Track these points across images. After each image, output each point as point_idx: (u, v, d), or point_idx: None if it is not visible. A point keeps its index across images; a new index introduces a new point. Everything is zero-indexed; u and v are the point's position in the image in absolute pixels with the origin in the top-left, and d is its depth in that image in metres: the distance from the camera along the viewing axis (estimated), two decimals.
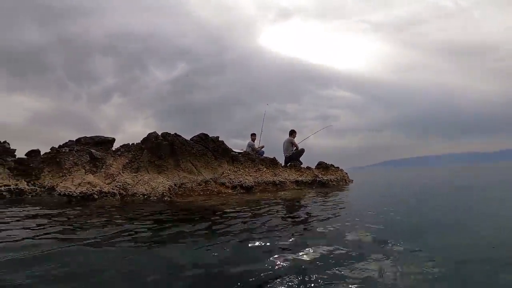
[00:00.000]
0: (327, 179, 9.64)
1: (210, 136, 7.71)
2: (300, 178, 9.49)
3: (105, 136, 7.81)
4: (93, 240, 2.62)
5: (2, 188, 5.97)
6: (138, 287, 1.81)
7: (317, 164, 10.38)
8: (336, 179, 9.89)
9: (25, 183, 6.25)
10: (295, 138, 10.79)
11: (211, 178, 7.79)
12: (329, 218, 3.79)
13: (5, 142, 12.89)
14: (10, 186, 6.04)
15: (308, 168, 10.27)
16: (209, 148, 7.57)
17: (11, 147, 12.81)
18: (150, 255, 2.34)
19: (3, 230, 2.92)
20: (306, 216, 4.13)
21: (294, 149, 10.63)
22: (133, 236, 2.81)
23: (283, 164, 10.23)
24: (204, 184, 7.59)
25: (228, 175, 8.22)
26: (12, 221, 3.39)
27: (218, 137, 7.96)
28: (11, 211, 4.09)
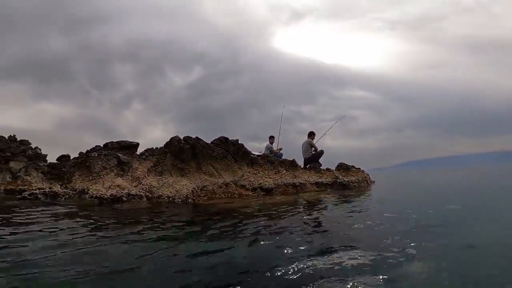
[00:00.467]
0: (348, 180, 9.48)
1: (230, 139, 7.82)
2: (320, 180, 9.40)
3: (130, 141, 8.12)
4: (129, 238, 2.75)
5: (38, 192, 6.34)
6: (172, 284, 1.90)
7: (338, 166, 10.25)
8: (357, 181, 9.71)
9: (59, 186, 6.61)
10: (314, 140, 10.72)
11: (231, 181, 7.90)
12: (353, 222, 3.76)
13: (36, 147, 13.67)
14: (45, 189, 6.40)
15: (328, 169, 10.16)
16: (229, 151, 7.68)
17: (42, 153, 13.57)
18: (183, 253, 2.43)
19: (47, 228, 3.13)
20: (329, 218, 4.11)
21: (313, 151, 10.56)
22: (168, 236, 2.93)
23: (302, 166, 10.19)
24: (224, 186, 7.71)
25: (248, 178, 8.30)
26: (52, 221, 3.62)
27: (238, 140, 8.07)
28: (50, 211, 4.35)
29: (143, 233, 3.01)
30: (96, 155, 7.00)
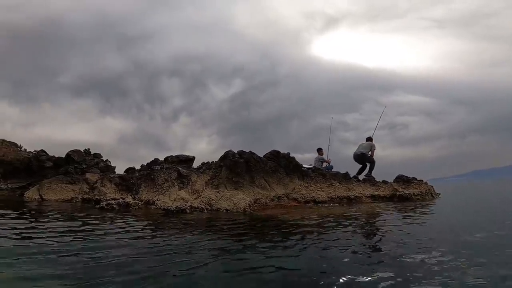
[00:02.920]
0: (409, 193, 8.78)
1: (281, 152, 7.88)
2: (376, 193, 8.88)
3: (187, 154, 8.69)
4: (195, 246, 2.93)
5: (113, 202, 7.11)
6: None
7: (396, 178, 9.57)
8: (420, 193, 8.95)
9: (130, 197, 7.32)
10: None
11: (283, 194, 7.90)
12: (419, 240, 3.44)
13: (107, 160, 15.36)
14: (119, 200, 7.15)
15: (384, 182, 9.54)
16: (281, 164, 7.72)
17: (112, 165, 15.15)
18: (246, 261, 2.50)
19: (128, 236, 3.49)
20: (391, 234, 3.82)
21: (369, 153, 10.19)
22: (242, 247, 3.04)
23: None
24: (277, 199, 7.74)
25: (300, 191, 8.21)
26: (132, 230, 4.03)
27: (289, 153, 8.08)
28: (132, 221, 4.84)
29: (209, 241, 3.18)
30: (159, 168, 7.61)
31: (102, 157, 14.96)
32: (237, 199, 6.16)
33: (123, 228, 4.17)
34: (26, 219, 5.06)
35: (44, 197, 9.36)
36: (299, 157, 9.83)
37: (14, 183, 13.30)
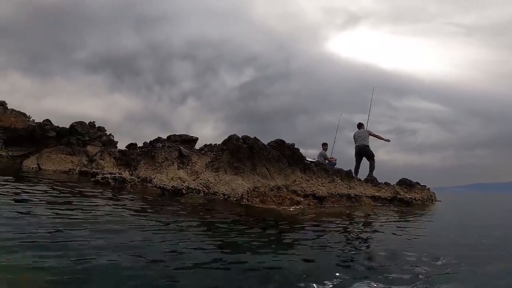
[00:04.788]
0: (411, 197, 8.60)
1: (286, 142, 7.69)
2: (377, 194, 8.70)
3: (191, 135, 8.54)
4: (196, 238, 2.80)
5: (109, 176, 7.00)
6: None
7: (399, 181, 9.37)
8: (421, 199, 8.77)
9: (127, 172, 7.22)
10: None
11: (283, 185, 7.75)
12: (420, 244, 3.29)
13: (110, 134, 15.32)
14: (115, 174, 7.05)
15: (387, 184, 9.35)
16: (285, 154, 7.54)
17: (114, 140, 15.12)
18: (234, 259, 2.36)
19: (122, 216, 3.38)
20: (377, 237, 3.67)
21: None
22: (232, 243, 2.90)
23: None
24: (276, 190, 7.59)
25: (300, 184, 8.04)
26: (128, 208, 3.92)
27: (294, 144, 7.88)
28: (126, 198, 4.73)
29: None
30: (161, 146, 7.48)
31: (106, 131, 14.90)
32: (236, 184, 6.02)
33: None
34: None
35: (42, 166, 9.29)
36: (302, 151, 9.67)
37: (16, 151, 13.31)
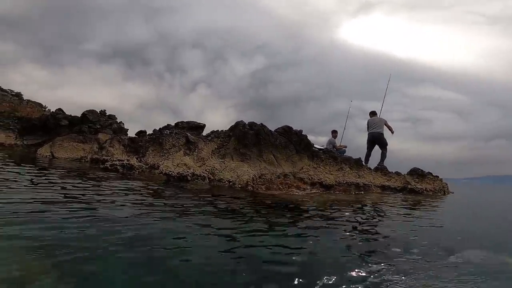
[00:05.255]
0: (422, 187, 8.37)
1: (293, 129, 7.57)
2: (387, 183, 8.52)
3: (198, 122, 8.53)
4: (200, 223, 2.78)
5: (117, 163, 7.12)
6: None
7: (410, 170, 9.13)
8: (433, 189, 8.53)
9: (136, 159, 7.32)
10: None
11: (290, 172, 7.68)
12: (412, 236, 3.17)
13: (121, 122, 15.55)
14: (123, 161, 7.16)
15: (397, 173, 9.13)
16: (292, 141, 7.43)
17: (125, 127, 15.35)
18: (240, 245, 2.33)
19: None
20: (386, 226, 3.56)
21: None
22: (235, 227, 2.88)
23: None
24: (283, 177, 7.54)
25: (308, 171, 7.96)
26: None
27: (302, 131, 7.75)
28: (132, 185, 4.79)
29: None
30: (168, 133, 7.51)
31: (116, 118, 15.15)
32: (242, 171, 5.99)
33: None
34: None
35: (55, 154, 9.56)
36: (312, 139, 9.52)
37: (31, 140, 13.74)
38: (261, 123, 7.01)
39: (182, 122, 8.50)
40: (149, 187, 4.62)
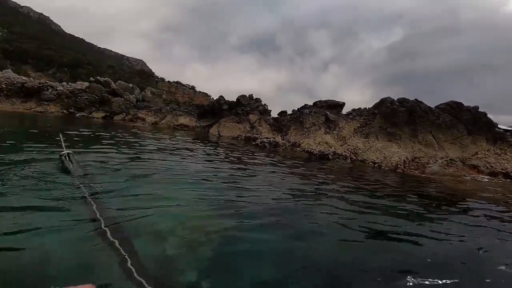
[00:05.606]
0: None
1: (465, 105, 5.90)
2: None
3: (337, 100, 8.19)
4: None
5: (265, 140, 7.96)
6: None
7: None
8: None
9: (280, 137, 7.96)
10: None
11: (457, 157, 6.13)
12: None
13: (265, 104, 17.23)
14: (270, 139, 7.93)
15: None
16: (462, 120, 5.84)
17: (268, 108, 16.92)
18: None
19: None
20: None
21: None
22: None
23: None
24: (445, 163, 6.13)
25: (485, 157, 6.09)
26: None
27: (478, 107, 5.93)
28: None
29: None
30: (308, 112, 7.65)
31: (261, 101, 16.95)
32: (390, 152, 5.30)
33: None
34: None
35: (221, 133, 11.84)
36: (492, 118, 7.13)
37: (204, 122, 17.74)
38: (416, 99, 5.88)
39: (320, 101, 8.41)
40: (298, 166, 4.90)
